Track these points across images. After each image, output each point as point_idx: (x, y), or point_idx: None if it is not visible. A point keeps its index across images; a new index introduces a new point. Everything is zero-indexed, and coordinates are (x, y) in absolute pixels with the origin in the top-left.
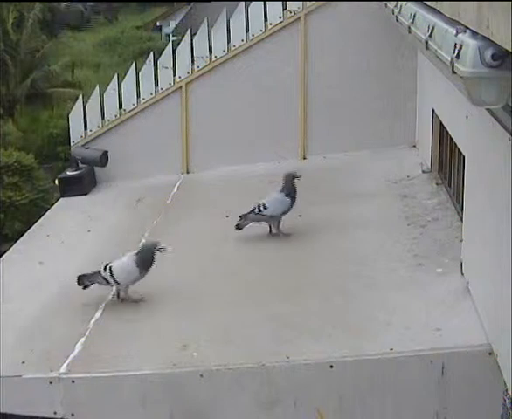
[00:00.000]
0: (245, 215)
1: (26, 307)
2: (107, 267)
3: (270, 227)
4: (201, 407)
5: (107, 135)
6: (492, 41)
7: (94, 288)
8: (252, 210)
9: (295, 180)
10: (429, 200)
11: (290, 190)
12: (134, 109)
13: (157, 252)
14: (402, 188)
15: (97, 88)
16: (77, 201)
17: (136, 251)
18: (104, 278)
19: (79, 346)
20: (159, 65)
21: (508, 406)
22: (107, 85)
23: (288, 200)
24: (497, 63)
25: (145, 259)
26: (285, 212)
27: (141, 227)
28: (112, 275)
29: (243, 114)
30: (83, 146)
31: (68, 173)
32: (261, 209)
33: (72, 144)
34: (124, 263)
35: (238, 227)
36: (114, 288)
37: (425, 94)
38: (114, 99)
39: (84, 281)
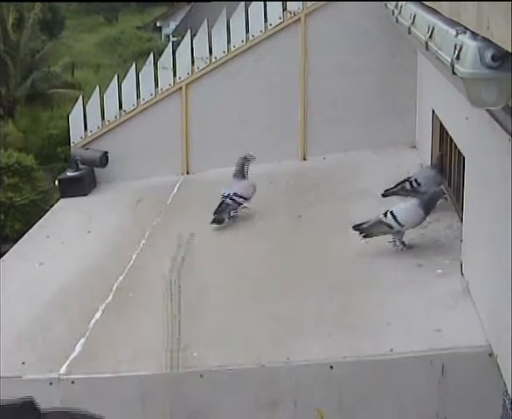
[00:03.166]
0: (391, 189)
1: (26, 308)
2: (388, 212)
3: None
4: (201, 407)
5: (107, 136)
6: (492, 42)
7: (94, 288)
8: (402, 185)
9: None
10: None
11: (440, 167)
12: (134, 110)
13: (441, 199)
14: None
15: (97, 89)
16: (77, 201)
17: (419, 196)
18: (386, 224)
19: (79, 347)
20: (159, 65)
21: (508, 407)
22: (107, 85)
23: (439, 177)
24: (497, 64)
25: (430, 204)
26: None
27: (142, 227)
28: (395, 218)
29: (243, 115)
30: (83, 147)
31: (68, 174)
32: (414, 185)
33: (72, 145)
34: (408, 206)
35: (384, 196)
36: (394, 236)
37: (425, 95)
38: (113, 99)
39: (362, 229)
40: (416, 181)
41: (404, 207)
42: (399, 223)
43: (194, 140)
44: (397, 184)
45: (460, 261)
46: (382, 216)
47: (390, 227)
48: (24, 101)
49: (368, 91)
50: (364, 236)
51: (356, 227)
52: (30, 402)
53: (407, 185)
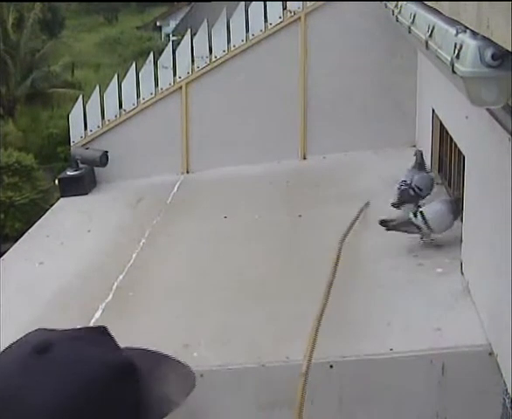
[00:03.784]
0: (396, 204)
1: (26, 307)
2: (418, 213)
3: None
4: (201, 407)
5: (107, 135)
6: (492, 41)
7: (94, 287)
8: (402, 191)
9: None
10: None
11: (424, 164)
12: (134, 109)
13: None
14: None
15: (97, 88)
16: (77, 201)
17: (450, 199)
18: (415, 225)
19: None
20: (159, 64)
21: (508, 406)
22: (107, 85)
23: (431, 175)
24: (497, 63)
25: (458, 211)
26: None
27: (142, 227)
28: (425, 221)
29: (243, 114)
30: (83, 146)
31: (68, 173)
32: (416, 190)
33: (72, 144)
34: (439, 209)
35: (394, 206)
36: (422, 235)
37: (425, 94)
38: (114, 99)
39: (389, 226)
40: (417, 187)
41: (435, 210)
42: (429, 227)
43: (194, 139)
44: (400, 193)
45: (460, 260)
46: (411, 215)
47: (419, 228)
48: (24, 100)
49: (368, 90)
50: (387, 230)
51: (384, 223)
52: (104, 327)
53: (410, 191)
